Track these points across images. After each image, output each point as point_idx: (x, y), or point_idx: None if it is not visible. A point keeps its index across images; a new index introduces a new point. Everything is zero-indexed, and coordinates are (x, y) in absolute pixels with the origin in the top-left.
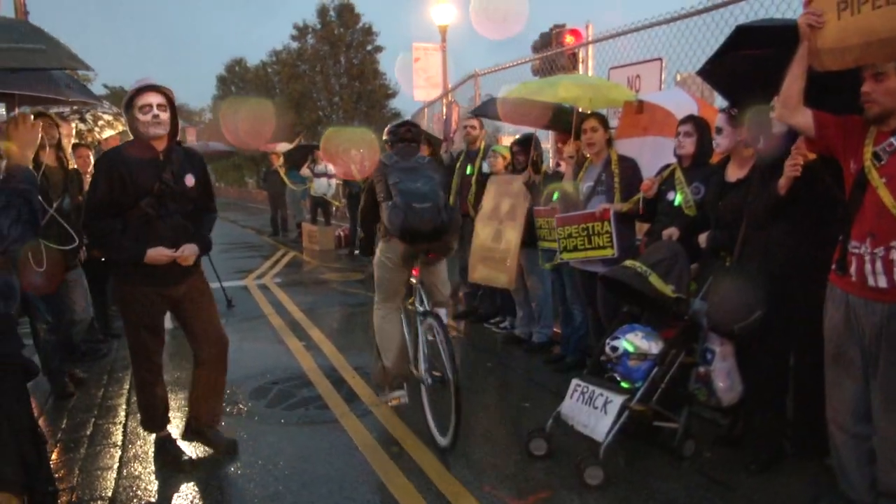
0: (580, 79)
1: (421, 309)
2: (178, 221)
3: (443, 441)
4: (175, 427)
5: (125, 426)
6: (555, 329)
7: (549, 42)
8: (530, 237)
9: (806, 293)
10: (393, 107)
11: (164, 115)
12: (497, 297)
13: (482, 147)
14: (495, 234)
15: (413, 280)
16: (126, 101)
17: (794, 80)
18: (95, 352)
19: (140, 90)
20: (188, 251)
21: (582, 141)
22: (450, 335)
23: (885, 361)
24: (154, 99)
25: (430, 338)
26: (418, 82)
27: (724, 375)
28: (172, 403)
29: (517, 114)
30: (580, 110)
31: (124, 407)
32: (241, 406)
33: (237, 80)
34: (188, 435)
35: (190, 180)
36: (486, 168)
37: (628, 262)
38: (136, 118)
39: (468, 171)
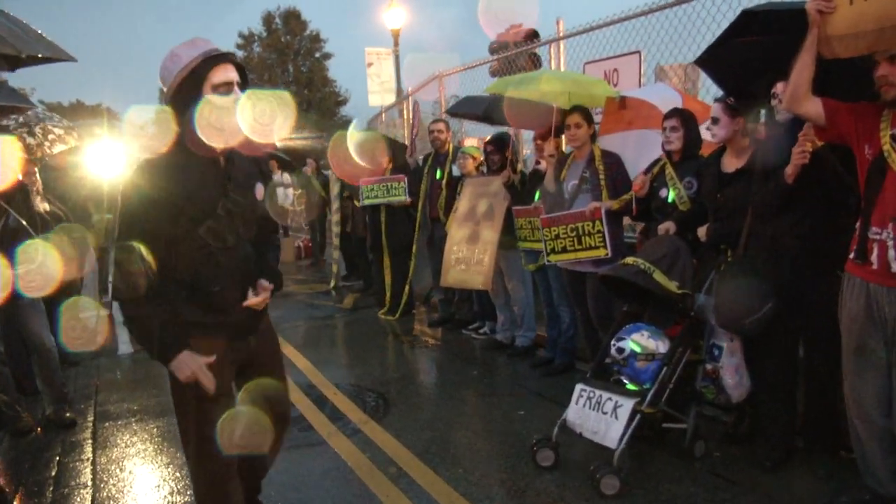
0: (560, 73)
1: None
2: (247, 251)
3: None
4: (151, 461)
5: (94, 463)
6: (538, 332)
7: (506, 42)
8: (512, 240)
9: (818, 283)
10: (344, 114)
11: None
12: (474, 303)
13: (450, 150)
14: (471, 235)
15: None
16: (183, 81)
17: (803, 69)
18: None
19: (213, 60)
20: (264, 294)
21: (565, 137)
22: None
23: None
24: (233, 74)
25: None
26: (372, 87)
27: (732, 371)
28: (143, 435)
29: (523, 115)
30: (558, 107)
31: (90, 441)
32: None
33: None
34: None
35: (260, 192)
36: (455, 171)
37: (630, 260)
38: (209, 106)
39: (437, 175)
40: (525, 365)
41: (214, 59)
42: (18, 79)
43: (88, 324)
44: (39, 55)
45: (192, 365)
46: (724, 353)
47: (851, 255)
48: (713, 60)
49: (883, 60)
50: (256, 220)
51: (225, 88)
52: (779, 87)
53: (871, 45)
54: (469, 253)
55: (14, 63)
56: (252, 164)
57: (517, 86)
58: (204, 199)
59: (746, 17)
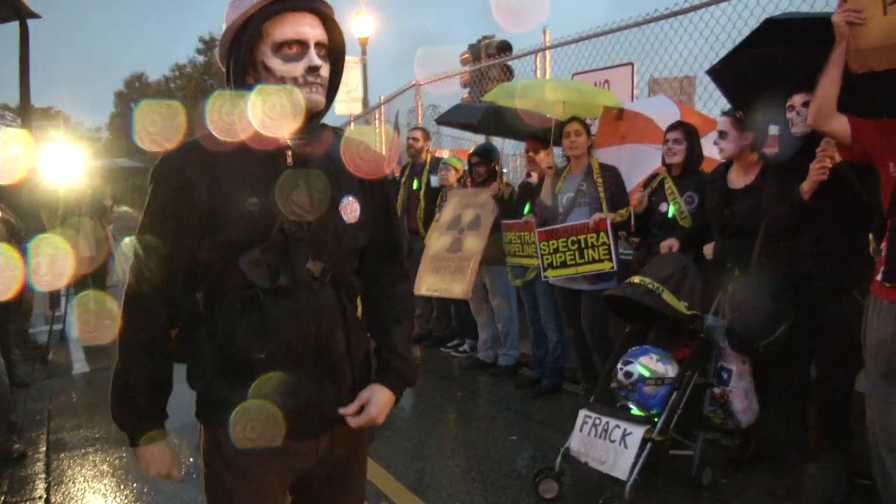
0: (563, 81)
1: None
2: (326, 302)
3: None
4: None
5: (47, 502)
6: (521, 350)
7: (478, 53)
8: (497, 254)
9: (833, 305)
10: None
11: (326, 69)
12: (452, 319)
13: (428, 160)
14: (453, 243)
15: None
16: (236, 37)
17: (830, 84)
18: None
19: (277, 4)
20: (370, 411)
21: (564, 146)
22: None
23: None
24: (311, 31)
25: None
26: (339, 96)
27: (742, 395)
28: (104, 468)
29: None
30: (557, 119)
31: (43, 477)
32: (191, 462)
33: (137, 96)
34: None
35: (352, 208)
36: (434, 182)
37: (636, 279)
38: (269, 68)
39: (415, 185)
40: (509, 385)
41: (279, 2)
42: None
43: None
44: None
45: (160, 467)
46: (733, 376)
47: (879, 278)
48: (724, 72)
49: None
50: (347, 252)
51: (297, 50)
52: (796, 100)
53: None
54: (450, 260)
55: None
56: (340, 159)
57: (518, 94)
58: (251, 212)
59: (769, 25)
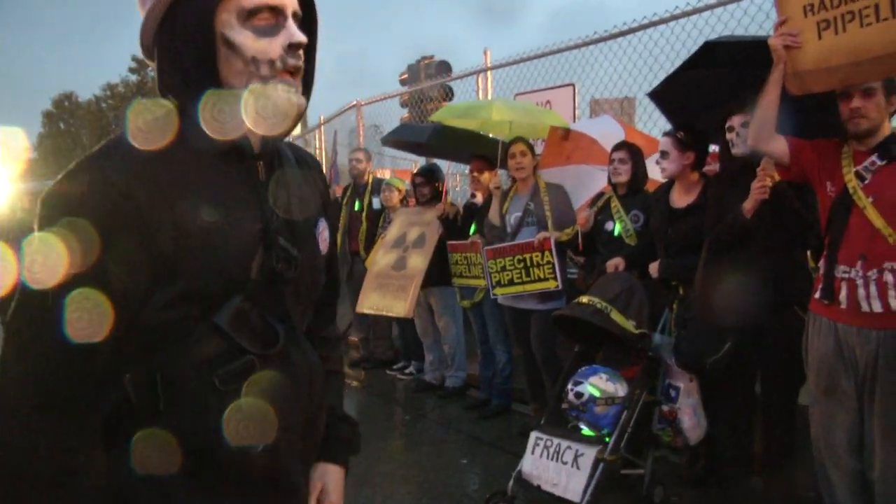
0: (510, 101)
1: None
2: (314, 357)
3: None
4: None
5: None
6: (468, 371)
7: (417, 74)
8: (442, 275)
9: (776, 320)
10: None
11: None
12: (395, 340)
13: (370, 181)
14: (398, 261)
15: None
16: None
17: (768, 106)
18: None
19: None
20: (332, 501)
21: (510, 167)
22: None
23: (882, 389)
24: None
25: None
26: None
27: (690, 412)
28: None
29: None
30: (503, 139)
31: None
32: None
33: (66, 116)
34: None
35: (324, 235)
36: (376, 203)
37: (585, 299)
38: (235, 44)
39: (356, 206)
40: (457, 407)
41: None
42: None
43: None
44: None
45: None
46: (681, 393)
47: (817, 295)
48: (664, 94)
49: (857, 93)
50: (317, 292)
51: (271, 20)
52: (735, 121)
53: (845, 79)
54: (393, 278)
55: None
56: (310, 180)
57: (462, 117)
58: (227, 246)
59: (706, 48)
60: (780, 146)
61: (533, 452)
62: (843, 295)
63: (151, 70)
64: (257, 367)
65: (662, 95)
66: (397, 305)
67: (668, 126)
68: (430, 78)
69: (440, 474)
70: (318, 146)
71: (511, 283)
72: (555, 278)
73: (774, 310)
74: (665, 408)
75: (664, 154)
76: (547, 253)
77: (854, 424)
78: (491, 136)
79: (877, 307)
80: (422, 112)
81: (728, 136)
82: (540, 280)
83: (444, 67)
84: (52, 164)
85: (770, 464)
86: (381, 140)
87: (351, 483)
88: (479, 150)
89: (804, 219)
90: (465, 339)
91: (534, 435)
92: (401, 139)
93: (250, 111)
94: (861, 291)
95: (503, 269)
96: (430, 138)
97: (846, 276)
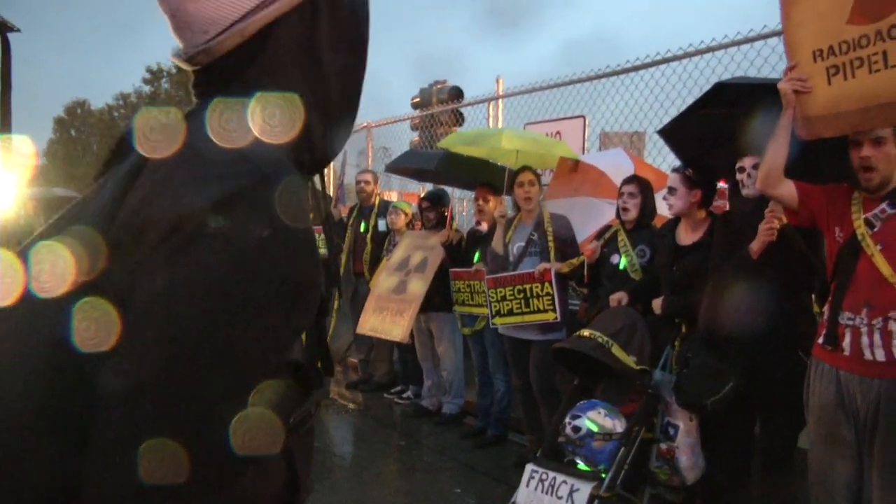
0: (520, 131)
1: None
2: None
3: None
4: None
5: None
6: (465, 398)
7: (429, 98)
8: (444, 301)
9: (777, 362)
10: None
11: None
12: (395, 363)
13: (377, 203)
14: (399, 285)
15: None
16: None
17: (778, 150)
18: None
19: None
20: None
21: (517, 196)
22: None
23: (882, 440)
24: None
25: None
26: None
27: (689, 452)
28: None
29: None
30: (510, 167)
31: None
32: None
33: (78, 124)
34: None
35: None
36: (382, 226)
37: (586, 332)
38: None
39: (362, 228)
40: (453, 434)
41: None
42: None
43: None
44: None
45: None
46: (680, 432)
47: (820, 341)
48: (674, 131)
49: (866, 141)
50: None
51: None
52: (746, 162)
53: (855, 125)
54: (392, 301)
55: None
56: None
57: (472, 143)
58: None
59: (718, 88)
60: (788, 190)
61: (528, 485)
62: (846, 342)
63: (165, 81)
64: (313, 413)
65: (672, 133)
66: (395, 330)
67: (677, 162)
68: (441, 103)
69: (434, 503)
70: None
71: (511, 313)
72: (554, 310)
73: (777, 351)
74: (663, 446)
75: (672, 190)
76: (547, 284)
77: (853, 472)
78: (499, 164)
79: (880, 356)
80: (432, 136)
81: (739, 176)
82: (539, 311)
83: (456, 93)
84: (61, 171)
85: None
86: (385, 167)
87: None
88: (485, 177)
89: (810, 262)
90: (463, 366)
91: (529, 467)
92: (407, 166)
93: None
94: (865, 339)
95: (503, 298)
96: (437, 165)
97: (851, 322)
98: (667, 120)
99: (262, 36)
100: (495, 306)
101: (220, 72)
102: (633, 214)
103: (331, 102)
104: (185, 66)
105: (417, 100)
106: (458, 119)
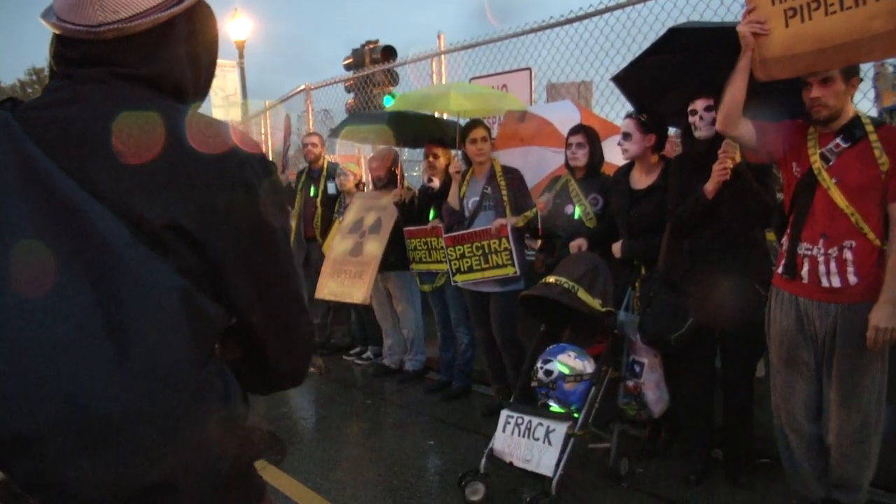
0: (467, 88)
1: None
2: None
3: None
4: None
5: None
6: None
7: (362, 58)
8: (400, 260)
9: (735, 296)
10: None
11: None
12: (352, 326)
13: (325, 165)
14: (354, 247)
15: None
16: None
17: (736, 91)
18: None
19: None
20: None
21: (469, 152)
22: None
23: (839, 360)
24: None
25: None
26: (216, 101)
27: (654, 387)
28: None
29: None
30: (460, 121)
31: None
32: None
33: None
34: None
35: None
36: (331, 189)
37: (552, 278)
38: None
39: (311, 192)
40: (418, 390)
41: None
42: None
43: None
44: None
45: None
46: (645, 368)
47: (780, 271)
48: (629, 78)
49: (815, 83)
50: None
51: None
52: (698, 104)
53: (810, 66)
54: (350, 266)
55: None
56: None
57: (419, 106)
58: None
59: (672, 34)
60: (747, 130)
61: (504, 430)
62: (804, 270)
63: None
64: None
65: (626, 79)
66: (355, 292)
67: (624, 111)
68: (374, 63)
69: (408, 456)
70: (263, 132)
71: (471, 269)
72: (513, 264)
73: (732, 286)
74: (630, 383)
75: (626, 136)
76: (504, 240)
77: (813, 392)
78: (446, 117)
79: (836, 283)
80: (367, 97)
81: (691, 119)
82: (498, 266)
83: (389, 52)
84: None
85: (730, 436)
86: (330, 131)
87: (319, 468)
88: (436, 133)
89: (762, 199)
90: (423, 322)
91: (504, 413)
92: (338, 133)
93: None
94: (822, 268)
95: (462, 255)
96: (387, 123)
97: (808, 252)
98: (614, 69)
99: (168, 25)
100: (455, 264)
101: (124, 49)
102: (581, 163)
103: (200, 86)
104: (73, 35)
105: (350, 60)
106: (394, 78)
